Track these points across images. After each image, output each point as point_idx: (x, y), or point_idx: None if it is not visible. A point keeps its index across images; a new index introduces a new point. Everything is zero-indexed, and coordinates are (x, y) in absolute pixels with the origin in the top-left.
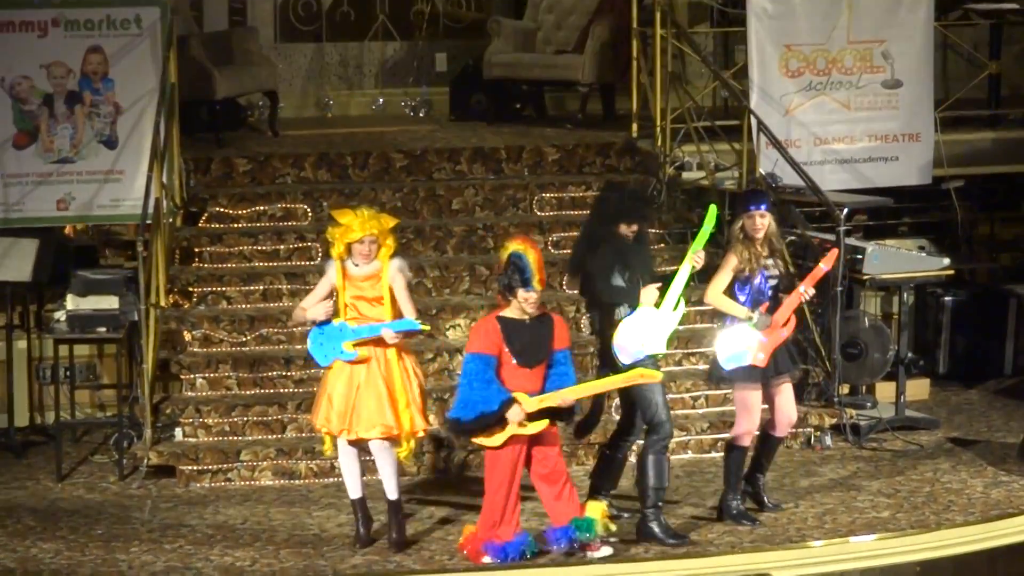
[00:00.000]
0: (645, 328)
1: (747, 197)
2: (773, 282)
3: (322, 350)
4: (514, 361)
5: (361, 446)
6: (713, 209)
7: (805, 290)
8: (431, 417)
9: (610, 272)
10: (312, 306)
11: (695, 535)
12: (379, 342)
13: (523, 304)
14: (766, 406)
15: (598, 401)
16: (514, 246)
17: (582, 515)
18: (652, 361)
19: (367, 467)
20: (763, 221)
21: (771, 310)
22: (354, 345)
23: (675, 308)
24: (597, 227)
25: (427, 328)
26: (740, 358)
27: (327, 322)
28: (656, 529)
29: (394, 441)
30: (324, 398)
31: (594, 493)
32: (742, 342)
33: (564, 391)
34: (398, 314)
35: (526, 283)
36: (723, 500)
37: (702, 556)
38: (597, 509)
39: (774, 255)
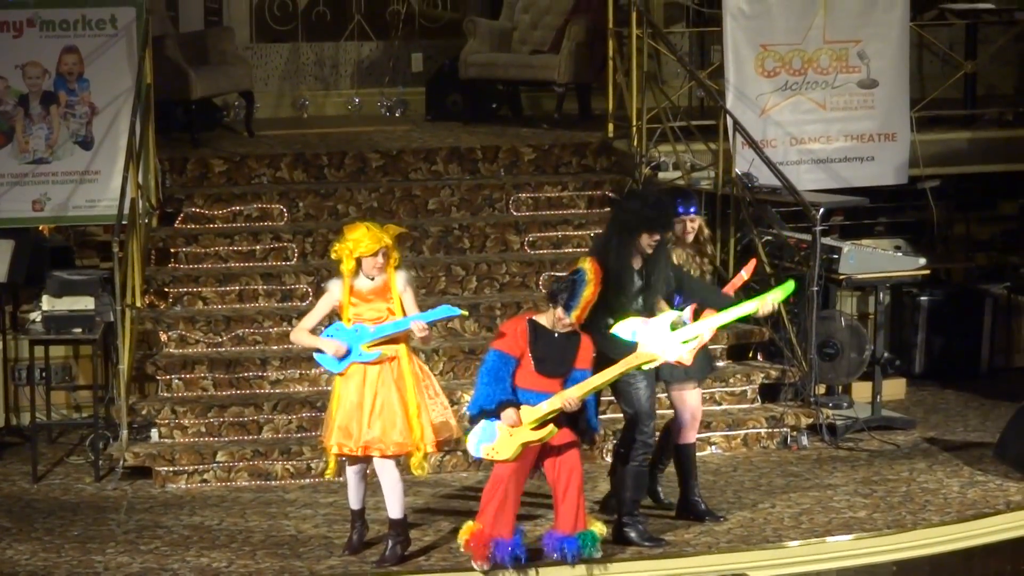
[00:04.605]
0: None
1: (676, 200)
2: None
3: (333, 357)
4: (533, 367)
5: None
6: (791, 284)
7: None
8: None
9: (606, 308)
10: (314, 328)
11: (671, 535)
12: (391, 344)
13: (555, 320)
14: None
15: None
16: (585, 266)
17: (585, 527)
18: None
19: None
20: (692, 225)
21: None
22: (373, 345)
23: (687, 341)
24: (617, 236)
25: (466, 313)
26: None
27: (339, 327)
28: (633, 535)
29: (407, 454)
30: (336, 416)
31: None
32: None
33: (566, 391)
34: None
35: (568, 308)
36: (689, 498)
37: (679, 557)
38: (598, 526)
39: (702, 255)
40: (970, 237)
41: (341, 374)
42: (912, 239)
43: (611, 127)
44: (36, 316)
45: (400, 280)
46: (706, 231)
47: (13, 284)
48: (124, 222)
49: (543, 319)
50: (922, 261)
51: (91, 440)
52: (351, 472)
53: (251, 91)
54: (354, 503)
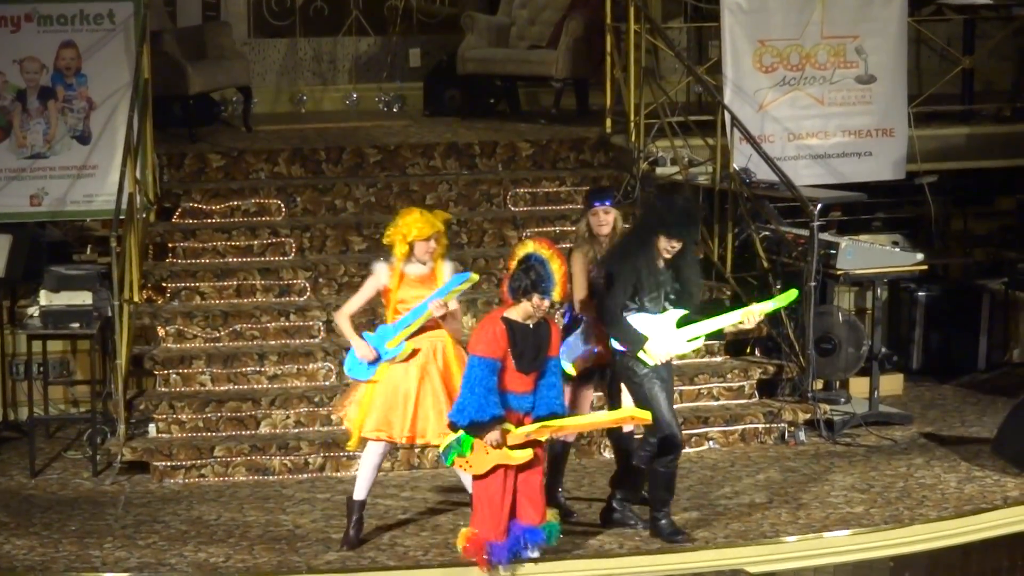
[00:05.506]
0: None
1: (592, 193)
2: None
3: (363, 363)
4: (515, 366)
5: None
6: (794, 292)
7: None
8: None
9: (619, 297)
10: (356, 311)
11: None
12: (425, 332)
13: (535, 310)
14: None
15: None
16: (533, 247)
17: (545, 520)
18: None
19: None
20: (607, 217)
21: None
22: (398, 341)
23: (692, 340)
24: (635, 235)
25: (476, 277)
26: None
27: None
28: (666, 527)
29: None
30: (378, 400)
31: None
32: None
33: (552, 423)
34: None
35: (545, 291)
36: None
37: (676, 551)
38: (555, 515)
39: None
40: (968, 233)
41: (371, 381)
42: (910, 235)
43: (609, 122)
44: (34, 311)
45: (448, 270)
46: (620, 224)
47: (11, 279)
48: (122, 217)
49: (513, 314)
50: (920, 257)
51: (89, 435)
52: (375, 456)
53: (249, 86)
54: (361, 492)
